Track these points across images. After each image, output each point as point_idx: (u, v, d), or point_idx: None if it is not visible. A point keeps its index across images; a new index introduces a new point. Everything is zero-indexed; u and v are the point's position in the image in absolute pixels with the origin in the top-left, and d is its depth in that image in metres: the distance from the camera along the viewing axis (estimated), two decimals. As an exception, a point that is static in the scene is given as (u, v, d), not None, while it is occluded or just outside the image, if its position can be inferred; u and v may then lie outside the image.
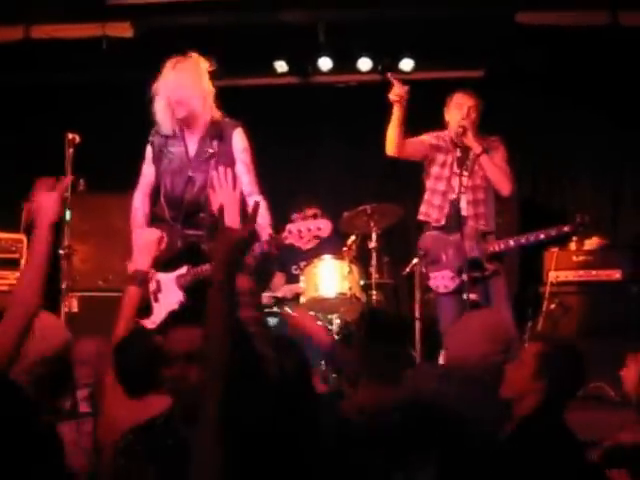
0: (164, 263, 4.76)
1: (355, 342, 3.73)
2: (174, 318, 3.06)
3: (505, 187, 5.75)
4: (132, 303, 3.61)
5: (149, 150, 5.03)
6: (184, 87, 4.77)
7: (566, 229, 5.57)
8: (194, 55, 4.85)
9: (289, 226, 4.34)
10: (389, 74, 5.86)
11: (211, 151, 4.81)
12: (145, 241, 3.71)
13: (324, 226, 4.27)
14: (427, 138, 5.94)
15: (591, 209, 7.54)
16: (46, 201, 3.10)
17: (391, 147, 5.80)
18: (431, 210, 5.87)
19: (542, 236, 5.59)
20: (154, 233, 3.88)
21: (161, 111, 4.86)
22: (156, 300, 4.81)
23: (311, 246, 4.34)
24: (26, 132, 8.03)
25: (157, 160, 4.97)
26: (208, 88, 4.86)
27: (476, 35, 7.50)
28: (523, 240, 5.63)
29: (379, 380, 3.43)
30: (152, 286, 4.73)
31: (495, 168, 5.73)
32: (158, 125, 4.94)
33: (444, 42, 7.68)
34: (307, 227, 4.29)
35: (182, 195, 4.87)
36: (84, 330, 6.56)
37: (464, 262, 5.55)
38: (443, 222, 5.80)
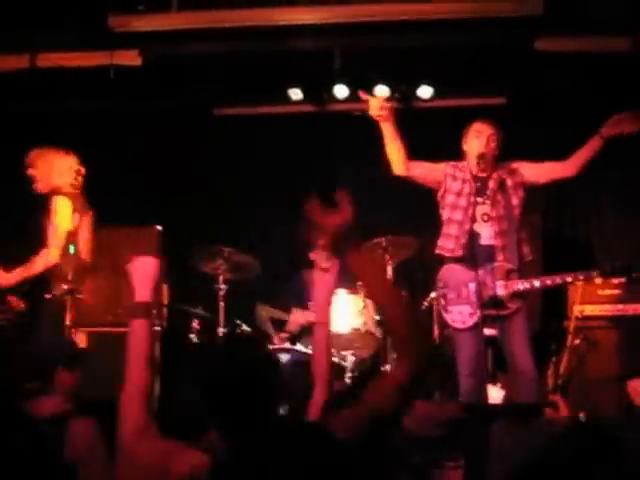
0: None
1: None
2: None
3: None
4: (142, 337, 3.29)
5: None
6: None
7: (595, 275, 5.47)
8: None
9: None
10: (360, 92, 5.73)
11: None
12: (143, 271, 3.46)
13: None
14: (443, 166, 5.73)
15: (616, 240, 7.49)
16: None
17: (396, 166, 5.69)
18: (446, 241, 5.62)
19: (569, 279, 5.48)
20: (151, 262, 3.65)
21: None
22: None
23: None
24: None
25: None
26: None
27: (496, 61, 7.35)
28: (549, 282, 5.46)
29: None
30: None
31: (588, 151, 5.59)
32: None
33: (463, 69, 7.51)
34: None
35: None
36: (93, 366, 6.47)
37: (485, 299, 5.33)
38: (460, 253, 5.54)
